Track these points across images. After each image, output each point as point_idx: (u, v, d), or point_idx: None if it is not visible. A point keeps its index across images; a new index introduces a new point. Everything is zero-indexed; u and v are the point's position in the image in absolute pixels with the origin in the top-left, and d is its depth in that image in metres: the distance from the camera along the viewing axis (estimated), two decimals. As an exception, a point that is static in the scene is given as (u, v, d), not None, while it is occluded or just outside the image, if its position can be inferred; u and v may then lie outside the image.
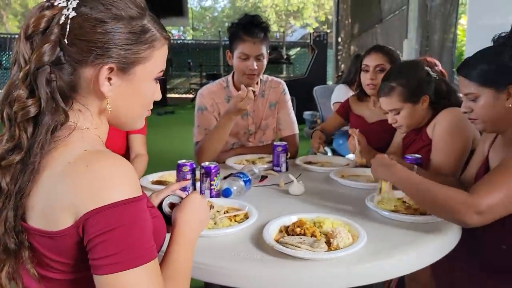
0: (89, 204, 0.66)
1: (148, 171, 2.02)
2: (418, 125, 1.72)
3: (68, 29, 0.71)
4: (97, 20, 0.73)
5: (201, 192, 1.51)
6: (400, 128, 1.74)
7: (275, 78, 2.29)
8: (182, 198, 1.01)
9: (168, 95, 11.49)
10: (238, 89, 2.09)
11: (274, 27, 18.49)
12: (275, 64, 11.23)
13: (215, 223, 1.23)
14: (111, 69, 0.76)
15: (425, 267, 1.14)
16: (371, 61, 2.06)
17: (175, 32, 14.48)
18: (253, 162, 1.99)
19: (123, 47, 0.75)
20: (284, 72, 13.04)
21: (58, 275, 0.72)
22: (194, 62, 12.28)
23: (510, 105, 1.25)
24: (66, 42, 0.72)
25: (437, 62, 2.67)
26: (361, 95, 2.22)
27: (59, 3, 0.72)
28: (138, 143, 2.03)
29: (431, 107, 1.69)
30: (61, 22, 0.71)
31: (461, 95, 1.42)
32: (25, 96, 0.70)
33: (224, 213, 1.30)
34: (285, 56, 11.48)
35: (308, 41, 9.29)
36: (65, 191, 0.67)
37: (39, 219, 0.70)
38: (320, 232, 1.15)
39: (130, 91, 0.80)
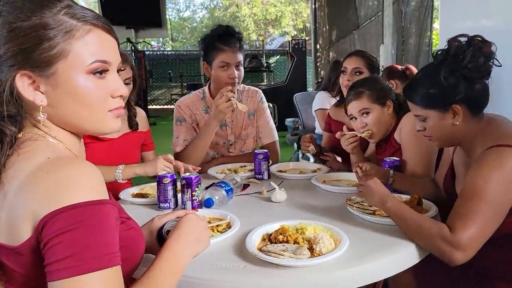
0: (48, 208, 0.63)
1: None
2: (386, 132, 1.77)
3: None
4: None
5: (183, 203, 1.50)
6: (371, 134, 1.77)
7: (252, 87, 2.30)
8: None
9: (149, 107, 11.40)
10: None
11: (253, 36, 18.62)
12: (256, 72, 11.28)
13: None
14: (28, 76, 0.72)
15: (407, 269, 1.15)
16: (349, 64, 2.15)
17: (154, 43, 14.43)
18: (235, 171, 1.99)
19: (28, 49, 0.71)
20: (265, 80, 13.10)
21: None
22: (174, 72, 12.23)
23: (457, 123, 1.27)
24: None
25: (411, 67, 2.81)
26: (341, 101, 2.25)
27: None
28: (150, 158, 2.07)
29: (395, 114, 1.77)
30: None
31: None
32: None
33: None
34: (265, 64, 11.54)
35: (287, 48, 9.36)
36: (25, 200, 0.65)
37: (4, 234, 0.68)
38: (303, 239, 1.15)
39: (63, 93, 0.74)
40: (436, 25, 5.69)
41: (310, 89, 9.18)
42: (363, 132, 1.77)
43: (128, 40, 10.27)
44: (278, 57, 14.08)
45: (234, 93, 1.99)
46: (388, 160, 1.62)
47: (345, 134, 1.82)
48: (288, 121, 6.89)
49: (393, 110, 1.76)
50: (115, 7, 9.83)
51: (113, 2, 9.93)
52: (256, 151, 1.92)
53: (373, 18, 6.26)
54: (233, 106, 1.86)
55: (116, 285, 0.66)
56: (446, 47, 1.28)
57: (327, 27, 9.25)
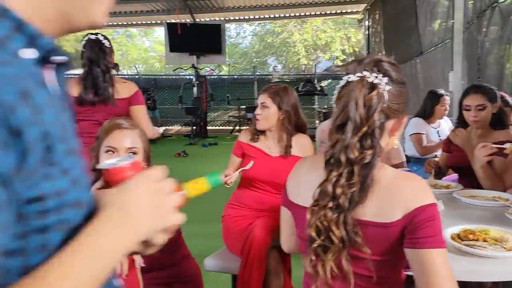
0: (416, 203, 1.01)
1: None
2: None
3: (386, 98, 1.05)
4: (400, 87, 1.09)
5: None
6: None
7: None
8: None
9: (208, 127, 11.96)
10: None
11: (303, 61, 19.07)
12: (308, 96, 11.67)
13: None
14: None
15: None
16: (471, 101, 2.30)
17: (207, 68, 15.05)
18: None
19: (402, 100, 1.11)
20: (316, 103, 13.39)
21: (366, 271, 1.04)
22: (232, 95, 12.78)
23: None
24: (385, 106, 1.05)
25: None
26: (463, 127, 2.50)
27: (373, 81, 1.04)
28: None
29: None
30: (380, 93, 1.04)
31: None
32: (359, 146, 1.02)
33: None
34: (318, 88, 11.85)
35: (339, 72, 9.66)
36: (396, 194, 1.03)
37: (376, 215, 1.03)
38: (490, 238, 1.40)
39: None
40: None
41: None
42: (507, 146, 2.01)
43: (193, 66, 10.94)
44: (329, 80, 14.40)
45: None
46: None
47: (487, 145, 2.01)
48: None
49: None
50: (181, 35, 10.55)
51: (179, 31, 10.63)
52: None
53: (439, 45, 6.45)
54: None
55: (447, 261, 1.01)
56: None
57: (384, 52, 9.48)
